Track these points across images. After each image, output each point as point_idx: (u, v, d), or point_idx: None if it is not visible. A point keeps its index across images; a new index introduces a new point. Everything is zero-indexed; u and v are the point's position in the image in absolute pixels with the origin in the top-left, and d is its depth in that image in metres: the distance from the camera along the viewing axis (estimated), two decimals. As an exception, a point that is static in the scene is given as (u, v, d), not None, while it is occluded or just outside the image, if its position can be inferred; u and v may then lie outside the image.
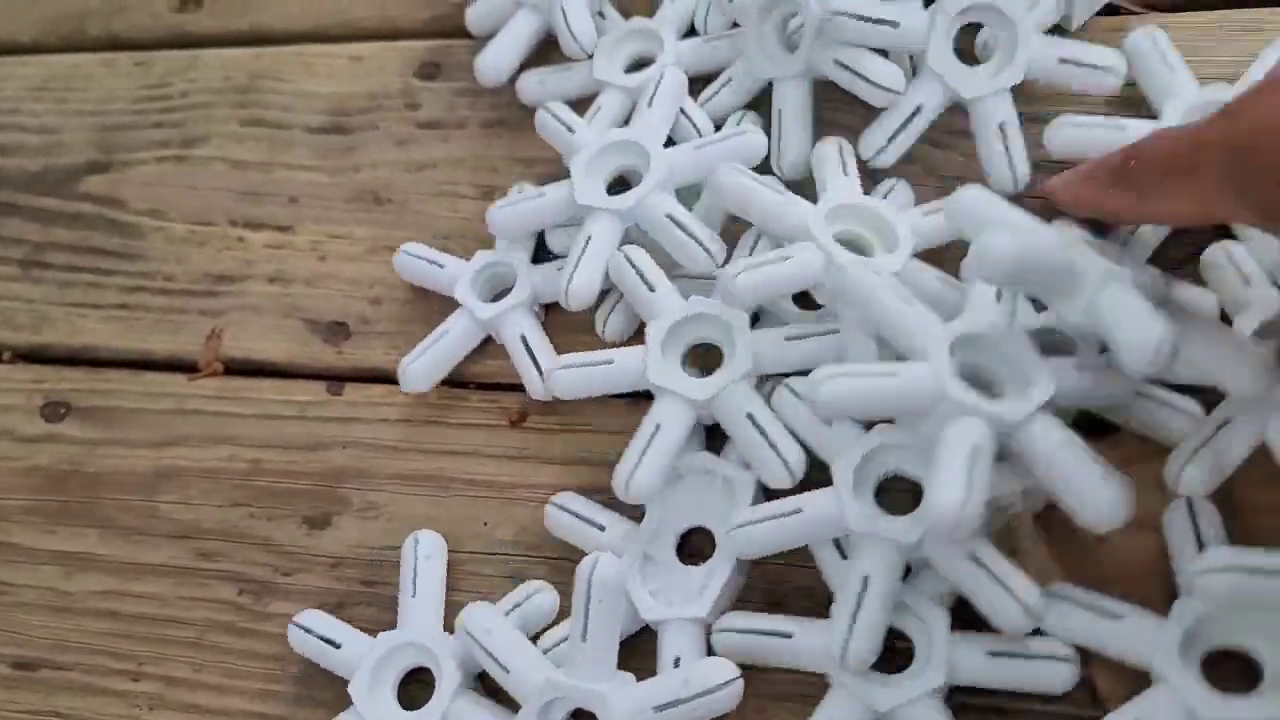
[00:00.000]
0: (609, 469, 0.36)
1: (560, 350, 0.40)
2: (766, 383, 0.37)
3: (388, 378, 0.42)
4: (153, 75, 0.51)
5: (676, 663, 0.34)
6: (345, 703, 0.36)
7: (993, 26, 0.39)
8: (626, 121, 0.42)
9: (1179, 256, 0.36)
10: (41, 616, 0.41)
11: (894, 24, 0.38)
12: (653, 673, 0.34)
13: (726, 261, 0.39)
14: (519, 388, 0.40)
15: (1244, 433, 0.32)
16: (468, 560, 0.38)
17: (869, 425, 0.34)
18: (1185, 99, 0.37)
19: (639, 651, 0.35)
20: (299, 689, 0.38)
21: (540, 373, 0.40)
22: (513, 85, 0.46)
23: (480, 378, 0.41)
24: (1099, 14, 0.41)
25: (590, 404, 0.39)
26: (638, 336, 0.39)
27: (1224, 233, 0.36)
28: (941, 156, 0.40)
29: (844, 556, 0.34)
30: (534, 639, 0.36)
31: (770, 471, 0.35)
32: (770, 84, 0.41)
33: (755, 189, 0.37)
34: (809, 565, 0.34)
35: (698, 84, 0.43)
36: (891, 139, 0.39)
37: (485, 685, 0.36)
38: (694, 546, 0.36)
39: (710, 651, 0.34)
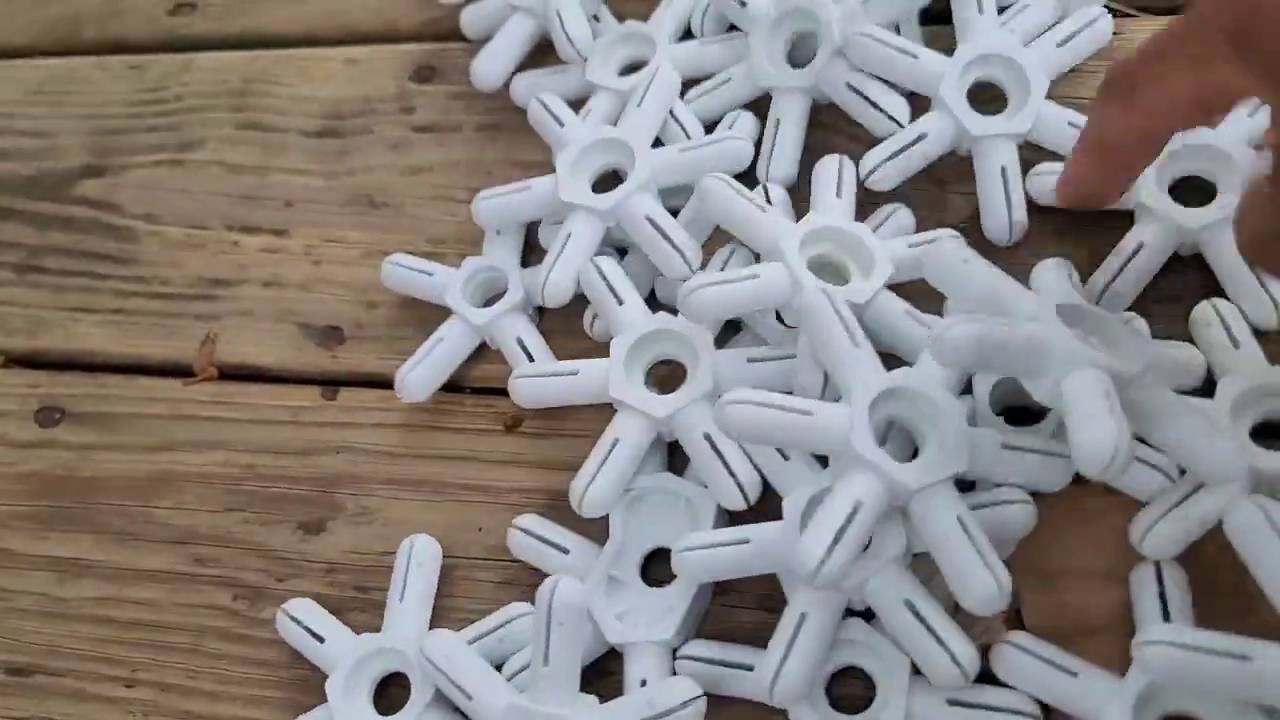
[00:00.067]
0: (603, 474, 0.36)
1: (556, 351, 0.40)
2: None
3: (382, 382, 0.42)
4: (148, 79, 0.51)
5: (643, 684, 0.34)
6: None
7: (1007, 73, 0.38)
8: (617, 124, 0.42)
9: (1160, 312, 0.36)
10: (35, 622, 0.41)
11: (914, 55, 0.38)
12: (619, 695, 0.34)
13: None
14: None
15: (1215, 501, 0.31)
16: (462, 565, 0.38)
17: (826, 461, 0.34)
18: None
19: (606, 673, 0.35)
20: (293, 695, 0.38)
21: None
22: (508, 89, 0.46)
23: (475, 382, 0.41)
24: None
25: (586, 409, 0.39)
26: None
27: (1213, 289, 0.35)
28: (956, 199, 0.40)
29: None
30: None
31: (726, 494, 0.35)
32: (767, 92, 0.41)
33: (738, 201, 0.37)
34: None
35: (691, 87, 0.43)
36: (889, 160, 0.38)
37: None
38: (658, 567, 0.36)
39: (675, 674, 0.34)
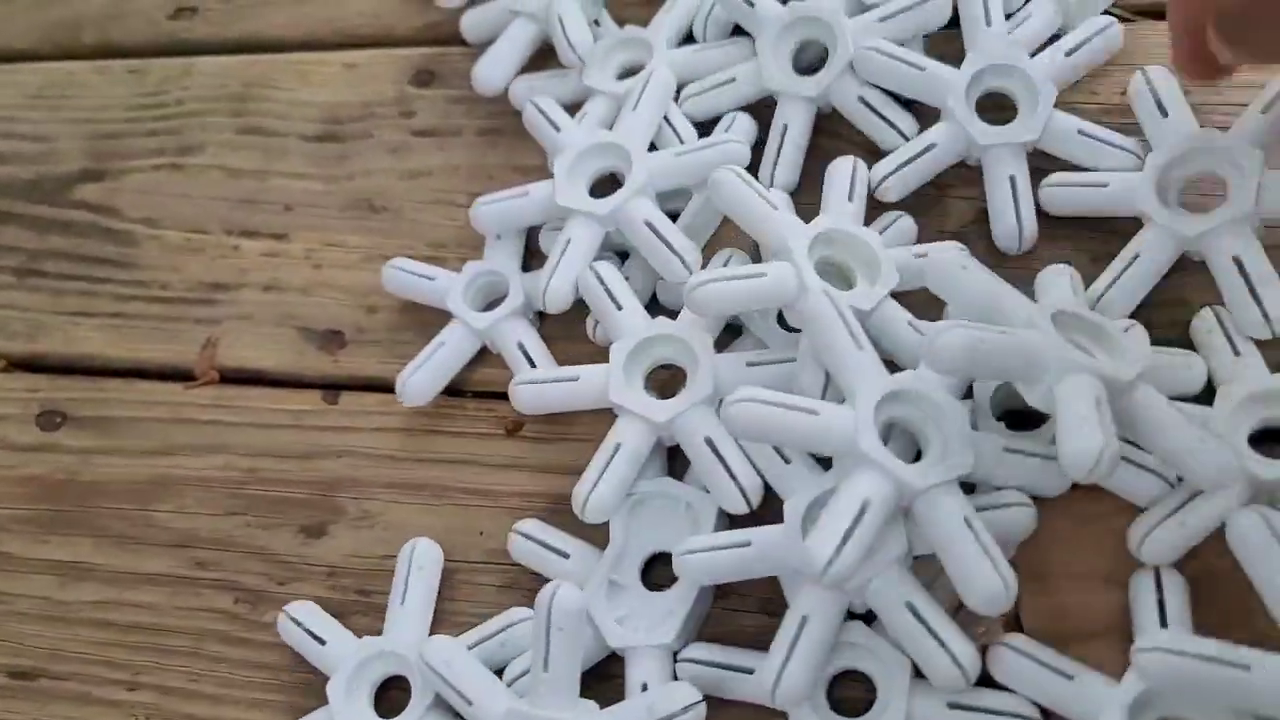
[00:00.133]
0: (604, 478, 0.36)
1: (558, 356, 0.40)
2: None
3: (383, 386, 0.42)
4: (147, 83, 0.51)
5: (644, 689, 0.34)
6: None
7: (1015, 83, 0.38)
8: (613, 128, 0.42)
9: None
10: (36, 626, 0.41)
11: (922, 68, 0.38)
12: (620, 699, 0.34)
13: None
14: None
15: (1213, 507, 0.31)
16: (463, 569, 0.38)
17: (827, 465, 0.34)
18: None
19: (607, 676, 0.35)
20: (294, 698, 0.38)
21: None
22: (508, 93, 0.46)
23: (476, 386, 0.41)
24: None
25: (586, 414, 0.39)
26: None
27: (1215, 296, 0.35)
28: (958, 204, 0.40)
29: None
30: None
31: (727, 497, 0.35)
32: (770, 97, 0.41)
33: (751, 196, 0.37)
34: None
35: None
36: (898, 170, 0.38)
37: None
38: (659, 572, 0.36)
39: (677, 678, 0.34)
